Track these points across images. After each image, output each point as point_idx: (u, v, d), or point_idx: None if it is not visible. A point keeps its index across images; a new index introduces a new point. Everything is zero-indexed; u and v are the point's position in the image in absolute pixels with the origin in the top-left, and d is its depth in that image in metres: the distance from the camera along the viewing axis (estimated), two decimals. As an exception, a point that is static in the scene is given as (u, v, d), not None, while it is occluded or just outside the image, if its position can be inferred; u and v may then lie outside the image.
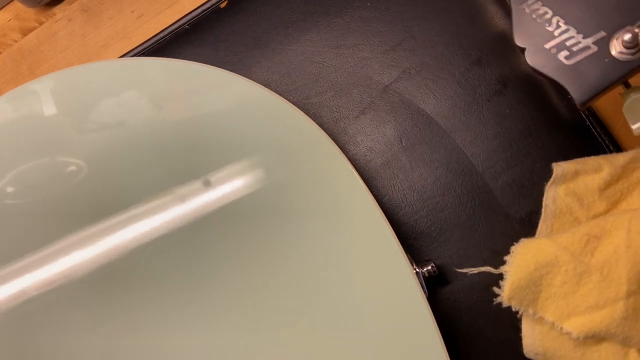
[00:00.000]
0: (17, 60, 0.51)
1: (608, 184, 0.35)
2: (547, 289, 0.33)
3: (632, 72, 0.29)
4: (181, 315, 0.35)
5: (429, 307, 0.34)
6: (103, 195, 0.37)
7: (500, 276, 0.34)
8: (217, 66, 0.38)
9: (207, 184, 0.36)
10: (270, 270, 0.35)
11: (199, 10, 0.46)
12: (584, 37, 0.29)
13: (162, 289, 0.35)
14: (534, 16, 0.31)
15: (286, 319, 0.35)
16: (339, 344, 0.35)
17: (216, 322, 0.35)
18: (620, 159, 0.35)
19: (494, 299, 0.34)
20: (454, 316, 0.38)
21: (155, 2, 0.49)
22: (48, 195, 0.37)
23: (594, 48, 0.29)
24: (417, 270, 0.37)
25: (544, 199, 0.37)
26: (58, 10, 0.52)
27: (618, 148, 0.37)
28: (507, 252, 0.34)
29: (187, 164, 0.37)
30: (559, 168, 0.36)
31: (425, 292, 0.36)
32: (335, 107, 0.42)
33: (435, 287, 0.39)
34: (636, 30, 0.28)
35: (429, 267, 0.37)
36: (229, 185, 0.36)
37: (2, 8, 0.52)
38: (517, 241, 0.35)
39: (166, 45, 0.46)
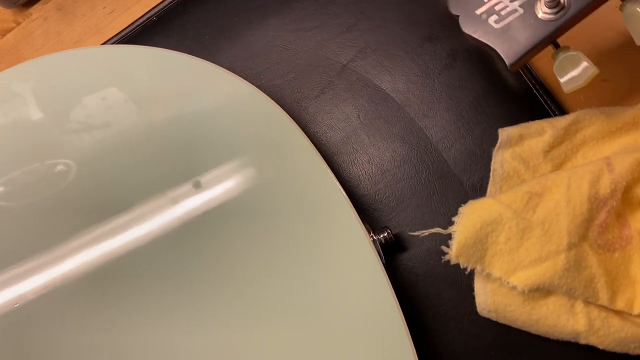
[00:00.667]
0: (-4, 60, 0.53)
1: (552, 146, 0.37)
2: (493, 246, 0.35)
3: (557, 32, 0.31)
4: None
5: (385, 273, 0.36)
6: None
7: (451, 237, 0.36)
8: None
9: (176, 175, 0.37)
10: (231, 242, 0.37)
11: (166, 2, 0.48)
12: (511, 1, 0.31)
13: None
14: (466, -15, 0.32)
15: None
16: (300, 309, 0.36)
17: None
18: (562, 121, 0.37)
19: (442, 257, 0.35)
20: (411, 281, 0.40)
21: (126, -3, 0.51)
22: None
23: (521, 11, 0.31)
24: (374, 237, 0.39)
25: (492, 163, 0.38)
26: (34, 10, 0.54)
27: (563, 113, 0.39)
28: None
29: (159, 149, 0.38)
30: (504, 133, 0.38)
31: (382, 259, 0.37)
32: (297, 88, 0.44)
33: (393, 254, 0.40)
34: (556, -9, 0.30)
35: (385, 234, 0.39)
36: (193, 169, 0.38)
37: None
38: (467, 205, 0.36)
39: (135, 36, 0.48)
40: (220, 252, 0.36)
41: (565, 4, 0.30)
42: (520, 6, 0.31)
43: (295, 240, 0.37)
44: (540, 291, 0.35)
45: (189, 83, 0.40)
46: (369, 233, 0.38)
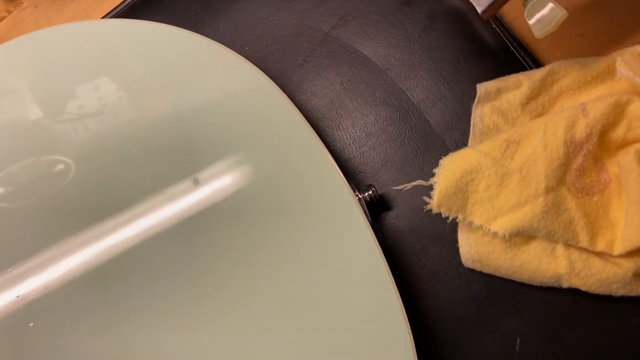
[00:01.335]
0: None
1: (529, 99, 0.38)
2: (474, 195, 0.35)
3: (524, -22, 0.32)
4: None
5: (372, 231, 0.36)
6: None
7: (433, 189, 0.37)
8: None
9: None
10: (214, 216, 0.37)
11: (152, -18, 0.49)
12: (479, -50, 0.32)
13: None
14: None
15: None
16: (285, 263, 0.37)
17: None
18: (538, 73, 0.38)
19: (425, 207, 0.36)
20: (398, 238, 0.40)
21: (114, -19, 0.52)
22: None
23: (489, -41, 0.32)
24: (359, 196, 0.39)
25: (472, 118, 0.39)
26: (25, -2, 0.55)
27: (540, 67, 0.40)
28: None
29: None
30: (482, 87, 0.38)
31: (368, 218, 0.38)
32: (280, 59, 0.45)
33: (379, 214, 0.41)
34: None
35: (370, 192, 0.39)
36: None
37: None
38: (449, 159, 0.37)
39: (124, 16, 0.49)
40: (209, 219, 0.37)
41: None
42: (488, -46, 0.32)
43: (282, 205, 0.37)
44: (522, 237, 0.35)
45: (182, 57, 0.40)
46: (355, 192, 0.39)
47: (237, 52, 0.44)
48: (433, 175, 0.37)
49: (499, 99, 0.38)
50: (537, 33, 0.32)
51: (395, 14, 0.43)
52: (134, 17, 0.49)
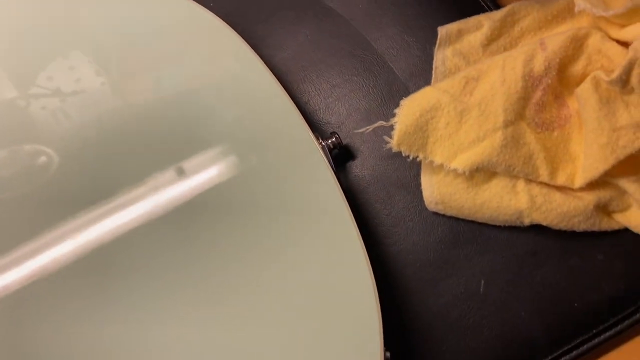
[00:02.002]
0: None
1: (490, 40, 0.37)
2: (434, 133, 0.35)
3: None
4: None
5: (336, 178, 0.36)
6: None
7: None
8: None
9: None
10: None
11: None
12: None
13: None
14: None
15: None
16: (246, 211, 0.36)
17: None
18: (498, 14, 0.38)
19: (384, 146, 0.36)
20: (363, 187, 0.40)
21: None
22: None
23: None
24: (323, 143, 0.39)
25: (434, 62, 0.39)
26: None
27: (501, 10, 0.39)
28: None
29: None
30: (443, 30, 0.38)
31: (332, 165, 0.38)
32: (244, 13, 0.45)
33: (344, 163, 0.41)
34: None
35: (333, 139, 0.39)
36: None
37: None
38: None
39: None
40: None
41: None
42: None
43: (246, 155, 0.37)
44: (483, 176, 0.35)
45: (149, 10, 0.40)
46: (318, 140, 0.38)
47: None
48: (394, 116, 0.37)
49: (460, 41, 0.38)
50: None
51: (359, -35, 0.43)
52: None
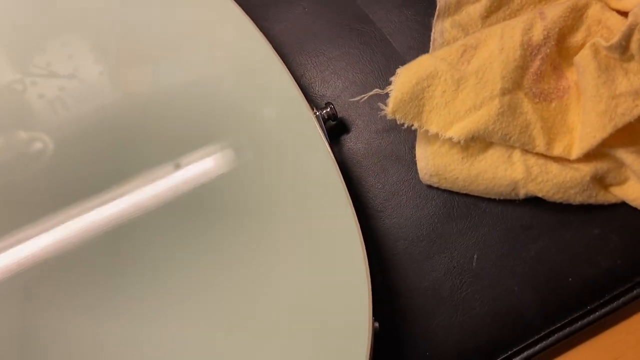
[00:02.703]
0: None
1: (489, 11, 0.37)
2: (430, 101, 0.34)
3: None
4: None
5: (330, 149, 0.35)
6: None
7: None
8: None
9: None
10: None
11: None
12: None
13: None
14: None
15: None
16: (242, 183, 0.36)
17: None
18: (498, -15, 0.37)
19: (379, 113, 0.35)
20: (357, 160, 0.39)
21: None
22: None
23: None
24: (317, 113, 0.38)
25: (432, 33, 0.38)
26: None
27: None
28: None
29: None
30: (442, 1, 0.38)
31: (326, 136, 0.37)
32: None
33: (339, 137, 0.40)
34: None
35: (328, 109, 0.38)
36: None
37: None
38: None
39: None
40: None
41: None
42: None
43: (245, 130, 0.36)
44: (479, 146, 0.34)
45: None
46: (312, 110, 0.38)
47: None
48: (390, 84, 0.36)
49: (459, 12, 0.37)
50: None
51: (358, -62, 0.43)
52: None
